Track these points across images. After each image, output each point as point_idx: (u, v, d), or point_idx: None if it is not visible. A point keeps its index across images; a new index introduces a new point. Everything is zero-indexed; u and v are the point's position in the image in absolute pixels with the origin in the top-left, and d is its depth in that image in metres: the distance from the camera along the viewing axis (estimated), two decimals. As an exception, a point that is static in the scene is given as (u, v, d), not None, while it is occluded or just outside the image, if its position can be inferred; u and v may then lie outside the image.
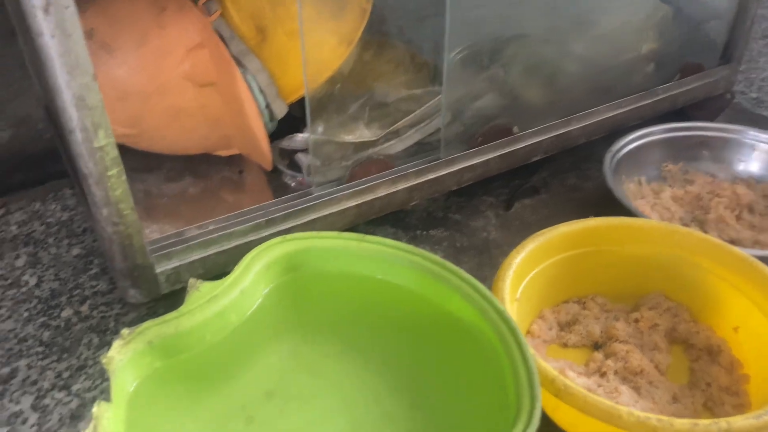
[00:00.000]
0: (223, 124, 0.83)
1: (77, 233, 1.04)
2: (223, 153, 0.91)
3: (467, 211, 1.07)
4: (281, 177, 0.91)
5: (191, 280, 0.73)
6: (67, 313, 0.91)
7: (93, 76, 0.61)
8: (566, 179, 1.14)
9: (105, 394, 0.79)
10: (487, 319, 0.70)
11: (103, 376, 0.82)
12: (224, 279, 0.74)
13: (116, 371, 0.65)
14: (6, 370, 0.83)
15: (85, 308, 0.91)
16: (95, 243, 1.02)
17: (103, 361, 0.65)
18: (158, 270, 0.77)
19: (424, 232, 1.01)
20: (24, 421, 0.77)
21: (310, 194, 0.84)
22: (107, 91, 0.73)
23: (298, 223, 0.83)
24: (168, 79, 0.77)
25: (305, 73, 0.75)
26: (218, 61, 0.76)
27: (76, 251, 1.01)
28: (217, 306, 0.72)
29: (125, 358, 0.66)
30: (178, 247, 0.78)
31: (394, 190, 0.88)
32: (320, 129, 0.80)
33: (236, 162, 0.95)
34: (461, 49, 0.85)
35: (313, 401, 0.73)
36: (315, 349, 0.78)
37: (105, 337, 0.87)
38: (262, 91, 0.79)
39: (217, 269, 0.81)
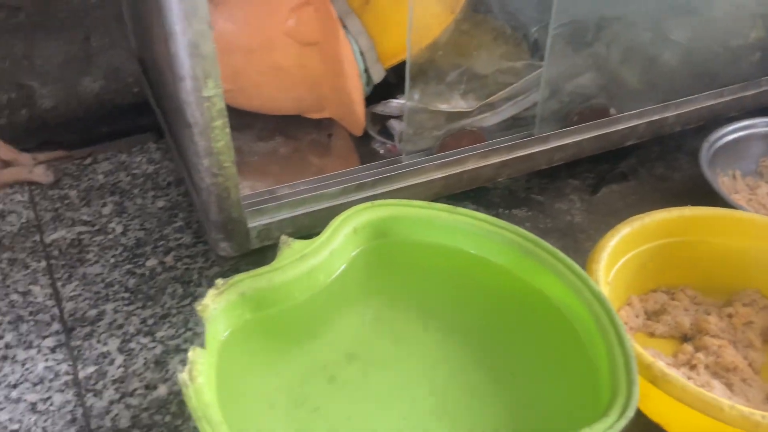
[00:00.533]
0: (320, 85, 0.83)
1: (162, 186, 1.06)
2: (314, 116, 0.90)
3: (550, 192, 1.04)
4: (369, 143, 0.91)
5: (283, 237, 0.73)
6: (151, 262, 0.92)
7: (209, 23, 0.62)
8: (654, 168, 1.10)
9: (190, 342, 0.80)
10: (582, 299, 0.68)
11: (186, 326, 0.83)
12: (315, 239, 0.74)
13: (210, 319, 0.66)
14: (93, 312, 0.85)
15: (169, 259, 0.93)
16: (179, 197, 1.03)
17: (198, 308, 0.66)
18: (250, 225, 0.77)
19: (506, 211, 1.00)
20: (111, 362, 0.79)
21: (399, 162, 0.84)
22: (212, 44, 0.74)
23: (386, 190, 0.83)
24: (272, 36, 0.77)
25: (410, 38, 0.74)
26: (323, 20, 0.76)
27: (160, 203, 1.03)
28: (307, 264, 0.73)
29: (219, 307, 0.67)
30: (269, 205, 0.78)
31: (484, 164, 0.87)
32: (417, 96, 0.79)
33: (325, 126, 0.95)
34: (566, 24, 0.83)
35: (395, 367, 0.72)
36: (397, 316, 0.77)
37: (188, 288, 0.88)
38: (362, 53, 0.79)
39: (305, 229, 0.81)
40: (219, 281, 0.69)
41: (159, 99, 0.99)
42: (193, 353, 0.61)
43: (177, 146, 0.89)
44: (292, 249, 0.73)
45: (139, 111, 1.22)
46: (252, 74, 0.80)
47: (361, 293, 0.78)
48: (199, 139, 0.68)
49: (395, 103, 0.84)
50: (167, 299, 0.87)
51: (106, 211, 1.01)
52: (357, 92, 0.80)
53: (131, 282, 0.89)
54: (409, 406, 0.69)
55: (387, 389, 0.71)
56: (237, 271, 0.92)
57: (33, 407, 0.74)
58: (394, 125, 0.84)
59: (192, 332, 0.82)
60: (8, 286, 0.89)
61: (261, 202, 0.78)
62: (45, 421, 0.72)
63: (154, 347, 0.80)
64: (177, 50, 0.62)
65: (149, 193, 1.05)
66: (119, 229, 0.98)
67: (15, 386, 0.76)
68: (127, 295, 0.87)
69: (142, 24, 0.96)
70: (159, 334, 0.82)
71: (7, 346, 0.81)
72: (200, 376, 0.60)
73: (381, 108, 0.86)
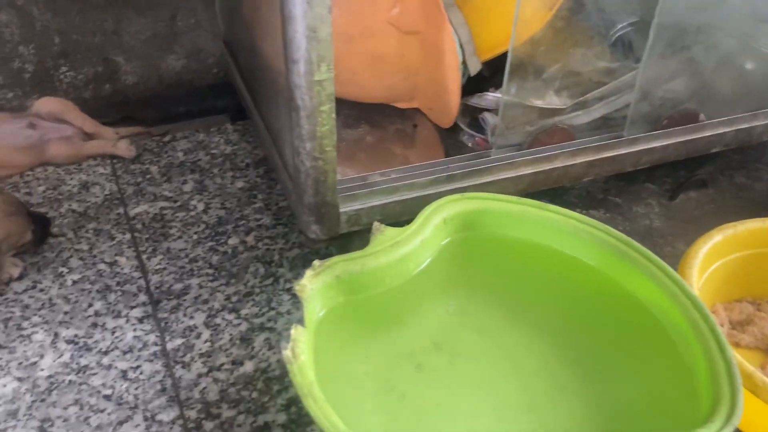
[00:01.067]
0: (415, 75, 0.83)
1: (240, 167, 1.08)
2: (402, 105, 0.91)
3: (628, 195, 1.04)
4: (454, 135, 0.91)
5: (376, 224, 0.74)
6: (233, 241, 0.94)
7: (329, 8, 0.62)
8: (734, 177, 1.09)
9: (273, 321, 0.82)
10: (677, 304, 0.68)
11: (269, 305, 0.84)
12: (407, 227, 0.75)
13: (308, 299, 0.67)
14: (179, 286, 0.87)
15: (250, 239, 0.94)
16: (258, 179, 1.05)
17: (296, 288, 0.67)
18: (341, 210, 0.78)
19: (584, 212, 0.99)
20: (198, 336, 0.80)
21: (488, 155, 0.84)
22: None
23: (475, 183, 0.83)
24: (374, 23, 0.78)
25: (514, 31, 0.74)
26: (428, 10, 0.76)
27: (240, 184, 1.04)
28: (399, 252, 0.73)
29: (315, 288, 0.68)
30: (362, 191, 0.79)
31: (572, 162, 0.86)
32: (513, 90, 0.79)
33: (409, 116, 0.96)
34: (665, 28, 0.82)
35: (481, 359, 0.73)
36: (482, 309, 0.78)
37: (270, 268, 0.90)
38: (461, 45, 0.79)
39: (393, 217, 0.81)
40: (316, 263, 0.70)
41: (248, 82, 1.00)
42: (296, 331, 0.62)
43: (268, 129, 0.90)
44: (384, 235, 0.73)
45: (217, 92, 1.24)
46: (350, 61, 0.81)
47: (447, 284, 0.78)
48: (305, 122, 0.69)
49: (491, 96, 0.84)
50: (250, 278, 0.88)
51: (187, 188, 1.03)
52: (455, 83, 0.80)
53: (214, 259, 0.91)
54: (497, 399, 0.69)
55: (474, 380, 0.71)
56: (317, 254, 0.93)
57: (124, 374, 0.76)
58: (488, 118, 0.84)
59: (275, 311, 0.84)
60: (95, 256, 0.91)
61: (354, 187, 0.79)
62: (136, 388, 0.74)
63: (239, 324, 0.82)
64: (294, 33, 0.63)
65: (228, 174, 1.06)
66: (201, 206, 1.00)
67: (106, 353, 0.78)
68: (211, 271, 0.89)
69: (237, 8, 0.97)
70: (243, 312, 0.83)
71: (97, 314, 0.83)
72: (303, 354, 0.61)
73: (476, 100, 0.86)
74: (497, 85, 0.87)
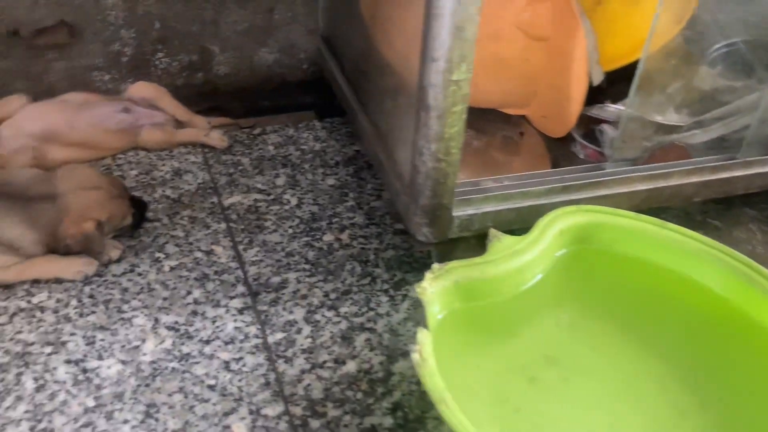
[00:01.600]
0: (535, 81, 0.82)
1: (330, 164, 1.07)
2: (512, 111, 0.90)
3: (727, 219, 1.01)
4: (561, 146, 0.89)
5: (493, 231, 0.72)
6: (328, 237, 0.93)
7: (478, 9, 0.61)
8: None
9: (373, 321, 0.80)
10: (812, 335, 0.65)
11: (368, 305, 0.83)
12: (525, 236, 0.73)
13: (429, 302, 0.66)
14: (277, 279, 0.86)
15: (344, 237, 0.93)
16: (348, 177, 1.04)
17: (418, 290, 0.66)
18: (455, 214, 0.77)
19: (683, 232, 0.97)
20: (299, 331, 0.79)
21: (602, 168, 0.82)
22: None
23: (589, 195, 0.81)
24: (503, 27, 0.76)
25: (648, 44, 0.72)
26: (560, 16, 0.74)
27: (330, 181, 1.03)
28: (517, 261, 0.72)
29: (435, 291, 0.67)
30: (477, 196, 0.77)
31: (687, 181, 0.84)
32: (637, 104, 0.77)
33: (514, 123, 0.94)
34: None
35: (595, 376, 0.71)
36: (594, 325, 0.75)
37: (366, 267, 0.88)
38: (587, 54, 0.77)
39: (505, 225, 0.79)
40: (435, 266, 0.68)
41: (352, 79, 0.99)
42: (422, 335, 0.61)
43: (374, 128, 0.89)
44: (502, 243, 0.72)
45: (305, 89, 1.23)
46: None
47: (559, 296, 0.76)
48: (435, 123, 0.68)
49: (612, 108, 0.83)
50: (347, 276, 0.87)
51: (279, 182, 1.03)
52: (579, 92, 0.78)
53: (310, 254, 0.90)
54: (613, 419, 0.67)
55: (588, 398, 0.69)
56: (412, 257, 0.92)
57: (227, 365, 0.75)
58: (607, 130, 0.82)
59: (374, 312, 0.82)
60: (191, 243, 0.91)
61: (468, 192, 0.77)
62: (240, 381, 0.73)
63: (339, 322, 0.81)
64: (439, 31, 0.62)
65: (319, 170, 1.06)
66: (294, 201, 0.99)
67: (207, 342, 0.77)
68: (307, 266, 0.88)
69: (344, 2, 0.97)
70: (342, 310, 0.82)
71: (196, 302, 0.82)
72: (430, 357, 0.60)
73: (596, 111, 0.84)
74: (612, 97, 0.85)
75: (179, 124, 1.11)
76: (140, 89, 1.11)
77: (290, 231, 0.94)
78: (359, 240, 0.93)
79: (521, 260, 0.71)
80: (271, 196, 1.00)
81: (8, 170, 0.85)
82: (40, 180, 0.83)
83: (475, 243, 0.83)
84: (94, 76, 1.10)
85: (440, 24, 0.62)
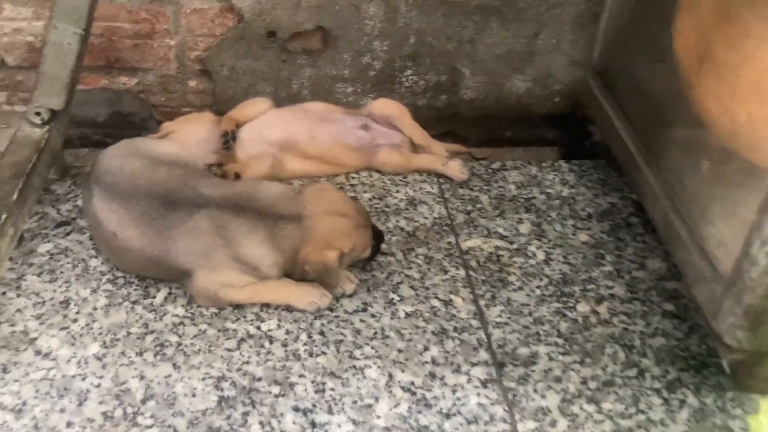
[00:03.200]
0: None
1: (581, 216, 0.93)
2: None
3: None
4: None
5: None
6: (583, 308, 0.79)
7: None
8: None
9: (644, 429, 0.66)
10: None
11: (636, 405, 0.68)
12: None
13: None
14: (525, 351, 0.74)
15: (602, 310, 0.79)
16: (603, 235, 0.90)
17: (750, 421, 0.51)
18: (785, 321, 0.61)
19: None
20: (553, 424, 0.66)
21: None
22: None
23: None
24: None
25: None
26: None
27: (583, 237, 0.90)
28: None
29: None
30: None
31: None
32: None
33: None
34: None
35: None
36: None
37: (630, 354, 0.74)
38: None
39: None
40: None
41: (640, 126, 0.84)
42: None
43: (669, 189, 0.74)
44: None
45: (552, 123, 1.10)
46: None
47: None
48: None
49: None
50: (607, 361, 0.73)
51: (523, 229, 0.91)
52: None
53: (563, 326, 0.77)
54: None
55: None
56: (688, 351, 0.76)
57: (470, 450, 0.64)
58: None
59: (645, 417, 0.67)
60: (427, 288, 0.81)
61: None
62: (485, 474, 0.62)
63: (601, 421, 0.67)
64: None
65: (568, 221, 0.92)
66: (540, 255, 0.86)
67: (447, 416, 0.66)
68: (560, 341, 0.75)
69: (641, 37, 0.83)
70: (605, 406, 0.68)
71: (434, 362, 0.72)
72: None
73: None
74: None
75: (415, 148, 1.03)
76: (382, 106, 1.04)
77: (538, 292, 0.81)
78: (620, 317, 0.78)
79: None
80: (514, 245, 0.88)
81: (254, 184, 0.80)
82: (287, 198, 0.77)
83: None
84: (338, 87, 1.04)
85: None
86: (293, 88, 1.03)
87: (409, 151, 1.02)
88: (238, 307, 0.77)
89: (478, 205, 0.95)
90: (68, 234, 0.85)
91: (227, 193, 0.76)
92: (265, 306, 0.77)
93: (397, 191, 0.97)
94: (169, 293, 0.78)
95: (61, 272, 0.80)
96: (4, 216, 0.74)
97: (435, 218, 0.92)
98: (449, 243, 0.88)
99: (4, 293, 0.77)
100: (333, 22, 0.97)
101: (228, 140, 0.95)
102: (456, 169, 0.99)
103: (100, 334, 0.73)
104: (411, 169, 1.00)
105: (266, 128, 0.99)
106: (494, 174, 1.02)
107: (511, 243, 0.88)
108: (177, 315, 0.76)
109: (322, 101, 1.03)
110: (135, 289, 0.78)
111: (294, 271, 0.77)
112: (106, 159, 0.82)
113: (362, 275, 0.82)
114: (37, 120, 0.88)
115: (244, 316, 0.76)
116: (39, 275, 0.80)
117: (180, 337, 0.73)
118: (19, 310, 0.75)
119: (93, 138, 1.04)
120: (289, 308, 0.77)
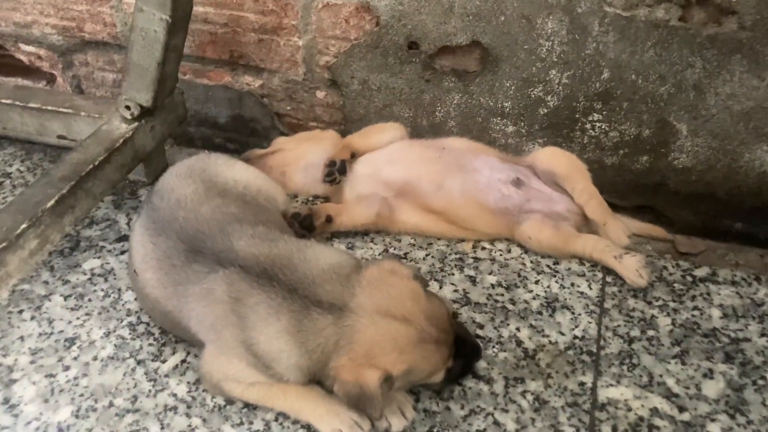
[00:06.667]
0: None
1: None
2: None
3: None
4: None
5: None
6: None
7: None
8: None
9: None
10: None
11: None
12: None
13: None
14: None
15: None
16: None
17: None
18: None
19: None
20: None
21: None
22: None
23: None
24: None
25: None
26: None
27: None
28: None
29: None
30: None
31: None
32: None
33: None
34: None
35: None
36: None
37: None
38: None
39: None
40: None
41: None
42: None
43: None
44: None
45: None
46: None
47: None
48: None
49: None
50: None
51: (710, 390, 0.57)
52: None
53: None
54: None
55: None
56: None
57: None
58: None
59: None
60: (518, 452, 0.54)
61: None
62: None
63: None
64: None
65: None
66: (724, 446, 0.54)
67: None
68: None
69: None
70: None
71: None
72: None
73: None
74: None
75: (585, 222, 0.74)
76: (550, 157, 0.76)
77: None
78: None
79: None
80: (685, 415, 0.55)
81: (302, 245, 0.58)
82: (336, 277, 0.55)
83: None
84: (495, 124, 0.78)
85: None
86: (437, 116, 0.79)
87: (573, 226, 0.73)
88: (249, 405, 0.57)
89: (651, 332, 0.63)
90: (122, 253, 0.73)
91: (261, 252, 0.56)
92: (282, 415, 0.56)
93: (536, 282, 0.69)
94: (183, 361, 0.61)
95: (89, 300, 0.67)
96: (24, 225, 0.63)
97: (575, 338, 0.63)
98: (581, 384, 0.58)
99: (21, 311, 0.66)
100: (495, 37, 0.71)
101: (333, 172, 0.75)
102: (633, 266, 0.68)
103: (81, 395, 0.59)
104: (567, 253, 0.71)
105: (386, 164, 0.77)
106: (694, 286, 0.68)
107: (681, 410, 0.56)
108: (175, 395, 0.58)
109: (470, 139, 0.78)
110: (149, 345, 0.63)
111: (324, 380, 0.55)
112: (166, 175, 0.66)
113: (430, 403, 0.57)
114: (127, 114, 0.76)
115: (251, 423, 0.56)
116: (66, 298, 0.68)
117: (162, 429, 0.55)
118: (21, 338, 0.64)
119: (214, 140, 0.92)
120: (311, 427, 0.55)
